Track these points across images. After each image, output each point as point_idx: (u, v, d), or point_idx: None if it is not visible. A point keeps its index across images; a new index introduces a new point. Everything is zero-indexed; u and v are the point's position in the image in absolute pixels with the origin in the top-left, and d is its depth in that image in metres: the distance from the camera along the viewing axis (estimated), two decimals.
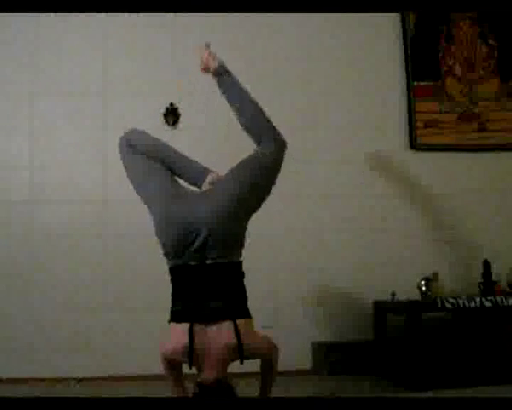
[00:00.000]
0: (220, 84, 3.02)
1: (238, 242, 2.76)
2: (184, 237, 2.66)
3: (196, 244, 2.65)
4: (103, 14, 4.32)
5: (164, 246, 2.75)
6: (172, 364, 2.72)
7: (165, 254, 2.76)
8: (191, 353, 2.56)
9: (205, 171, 2.97)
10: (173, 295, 2.72)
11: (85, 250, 4.21)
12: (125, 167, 2.94)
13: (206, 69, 3.07)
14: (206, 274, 2.65)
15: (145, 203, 2.88)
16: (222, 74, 3.01)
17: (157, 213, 2.77)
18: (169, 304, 2.74)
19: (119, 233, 4.23)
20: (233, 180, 2.79)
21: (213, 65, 3.02)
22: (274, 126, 2.97)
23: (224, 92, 3.02)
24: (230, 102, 3.00)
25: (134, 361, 4.08)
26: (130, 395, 3.48)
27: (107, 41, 4.40)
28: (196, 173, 2.96)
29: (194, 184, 2.97)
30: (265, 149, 2.90)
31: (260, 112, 2.97)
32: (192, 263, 2.66)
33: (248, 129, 2.97)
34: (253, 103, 2.97)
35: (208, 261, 2.66)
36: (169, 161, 2.91)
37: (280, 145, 2.96)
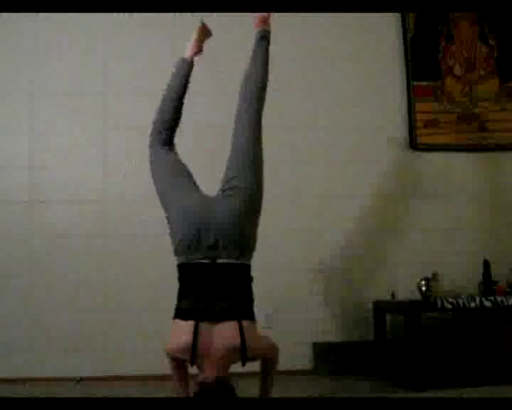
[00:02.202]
0: (258, 44, 3.22)
1: (249, 244, 2.79)
2: (198, 233, 2.69)
3: (209, 242, 2.67)
4: (103, 14, 4.32)
5: (176, 242, 2.76)
6: (178, 362, 2.73)
7: (176, 252, 2.77)
8: (194, 351, 2.56)
9: None
10: (180, 292, 2.72)
11: (85, 250, 4.21)
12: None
13: (264, 20, 3.30)
14: (216, 273, 2.66)
15: (165, 200, 2.90)
16: (264, 38, 3.23)
17: (175, 209, 2.80)
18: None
19: (119, 233, 4.23)
20: (244, 182, 2.83)
21: (266, 26, 3.28)
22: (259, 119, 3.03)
23: (254, 51, 3.20)
24: (252, 62, 3.17)
25: (134, 361, 4.09)
26: (130, 395, 3.49)
27: (107, 41, 4.40)
28: None
29: None
30: (244, 133, 2.97)
31: (261, 90, 3.07)
32: (203, 261, 2.67)
33: (244, 87, 3.08)
34: (261, 85, 3.08)
35: (219, 261, 2.67)
36: None
37: (260, 137, 3.02)
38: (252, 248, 2.81)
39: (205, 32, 3.39)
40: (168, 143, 3.02)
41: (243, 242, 2.75)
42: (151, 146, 3.03)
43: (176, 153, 3.04)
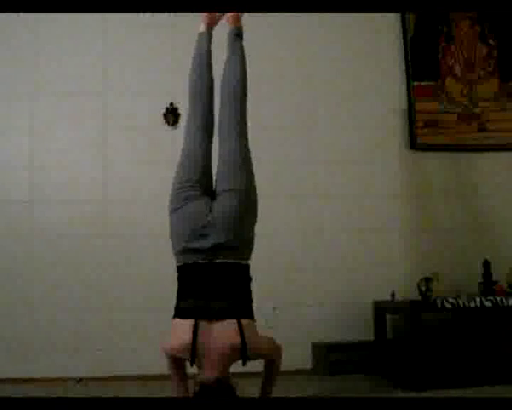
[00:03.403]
0: (233, 42, 3.20)
1: (247, 243, 2.79)
2: (197, 234, 2.70)
3: (208, 243, 2.68)
4: (103, 14, 4.32)
5: (176, 243, 2.76)
6: (177, 362, 2.73)
7: (176, 253, 2.77)
8: (194, 350, 2.56)
9: None
10: (180, 292, 2.73)
11: (85, 250, 4.21)
12: None
13: (236, 17, 3.26)
14: (215, 273, 2.66)
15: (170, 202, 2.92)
16: (238, 36, 3.22)
17: (175, 212, 2.82)
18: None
19: (119, 233, 4.23)
20: (239, 183, 2.84)
21: (240, 23, 3.26)
22: (243, 122, 3.03)
23: (230, 50, 3.19)
24: (229, 61, 3.16)
25: (134, 361, 4.08)
26: (130, 395, 3.49)
27: (107, 41, 4.40)
28: None
29: None
30: (232, 144, 2.95)
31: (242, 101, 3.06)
32: (201, 261, 2.68)
33: (224, 87, 3.08)
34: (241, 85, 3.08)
35: (217, 260, 2.67)
36: None
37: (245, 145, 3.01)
38: (250, 248, 2.81)
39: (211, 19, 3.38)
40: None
41: (241, 241, 2.75)
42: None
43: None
